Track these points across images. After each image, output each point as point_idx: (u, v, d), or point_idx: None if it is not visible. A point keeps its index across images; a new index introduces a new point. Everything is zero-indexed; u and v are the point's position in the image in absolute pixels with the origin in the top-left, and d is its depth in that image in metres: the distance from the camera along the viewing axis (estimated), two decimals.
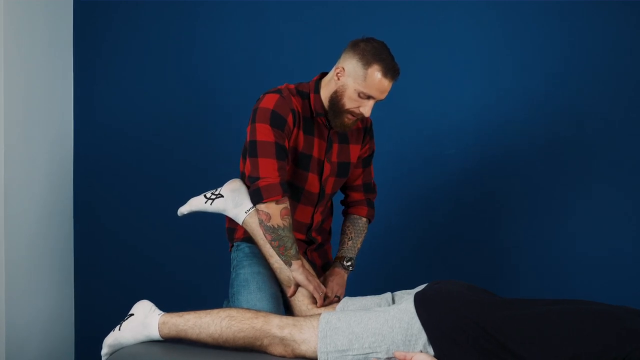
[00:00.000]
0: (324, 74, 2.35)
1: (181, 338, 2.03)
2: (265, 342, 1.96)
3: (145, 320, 2.06)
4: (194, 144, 3.31)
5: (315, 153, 2.32)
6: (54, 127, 3.29)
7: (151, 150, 3.35)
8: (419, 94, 3.07)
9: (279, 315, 2.02)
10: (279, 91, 2.27)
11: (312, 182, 2.34)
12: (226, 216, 2.39)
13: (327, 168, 2.35)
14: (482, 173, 3.07)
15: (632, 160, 2.90)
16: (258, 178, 2.18)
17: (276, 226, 2.18)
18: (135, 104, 3.36)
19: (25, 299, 3.08)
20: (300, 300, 2.25)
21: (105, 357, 2.10)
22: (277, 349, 1.96)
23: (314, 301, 2.24)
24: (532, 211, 3.03)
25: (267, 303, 2.19)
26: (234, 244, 2.42)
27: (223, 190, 2.36)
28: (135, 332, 2.05)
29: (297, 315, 2.22)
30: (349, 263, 2.41)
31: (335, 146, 2.37)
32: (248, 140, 2.23)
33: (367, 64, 2.17)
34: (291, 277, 2.25)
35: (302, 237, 2.40)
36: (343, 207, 2.56)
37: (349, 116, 2.26)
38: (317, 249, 2.48)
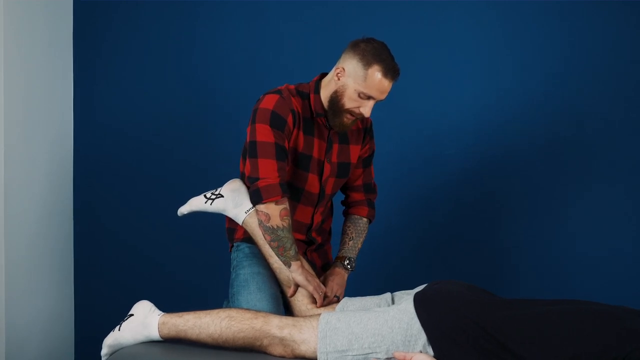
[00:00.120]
0: (324, 75, 2.35)
1: (181, 338, 2.03)
2: (265, 342, 1.96)
3: (145, 321, 2.06)
4: (194, 144, 3.31)
5: (315, 153, 2.32)
6: (54, 127, 3.29)
7: (151, 150, 3.35)
8: (419, 94, 3.07)
9: (278, 316, 2.02)
10: (279, 92, 2.26)
11: (312, 183, 2.34)
12: (226, 216, 2.39)
13: (327, 168, 2.35)
14: (482, 173, 3.07)
15: (632, 160, 2.90)
16: (258, 178, 2.18)
17: (275, 227, 2.18)
18: (135, 104, 3.36)
19: (25, 299, 3.08)
20: (300, 301, 2.25)
21: (105, 358, 2.10)
22: (277, 349, 1.96)
23: (314, 301, 2.24)
24: (532, 211, 3.03)
25: (266, 303, 2.19)
26: (234, 244, 2.42)
27: (223, 190, 2.36)
28: (135, 333, 2.05)
29: (297, 316, 2.22)
30: (349, 263, 2.41)
31: (335, 146, 2.37)
32: (248, 140, 2.23)
33: (367, 64, 2.17)
34: (290, 278, 2.25)
35: (302, 237, 2.40)
36: (343, 207, 2.56)
37: (349, 116, 2.26)
38: (317, 249, 2.48)
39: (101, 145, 3.39)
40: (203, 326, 2.00)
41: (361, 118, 2.28)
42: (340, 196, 2.57)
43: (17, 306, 3.03)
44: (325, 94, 2.29)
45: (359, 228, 2.48)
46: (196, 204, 2.38)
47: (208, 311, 2.04)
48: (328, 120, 2.30)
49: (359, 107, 2.22)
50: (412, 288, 2.15)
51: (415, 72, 2.97)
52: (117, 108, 3.38)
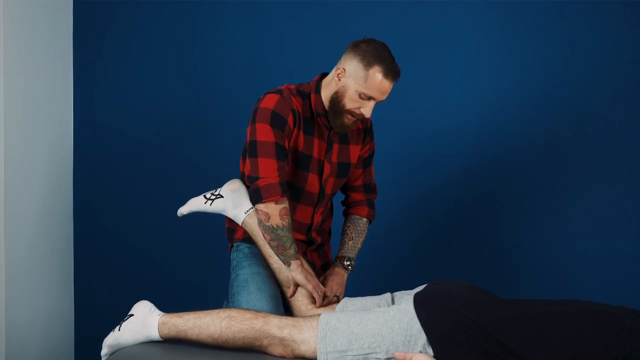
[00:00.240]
0: (325, 75, 2.36)
1: (181, 338, 2.03)
2: (265, 342, 1.96)
3: (145, 321, 2.06)
4: (194, 144, 3.31)
5: (315, 153, 2.32)
6: (54, 127, 3.29)
7: (151, 150, 3.35)
8: (419, 94, 3.07)
9: (278, 316, 2.02)
10: (279, 92, 2.27)
11: (312, 183, 2.34)
12: (226, 216, 2.39)
13: (327, 168, 2.36)
14: (482, 173, 3.07)
15: (632, 160, 2.90)
16: (258, 178, 2.18)
17: (275, 226, 2.18)
18: (135, 104, 3.36)
19: (25, 299, 3.08)
20: (300, 301, 2.25)
21: (105, 358, 2.10)
22: (277, 350, 1.96)
23: (314, 301, 2.24)
24: (532, 211, 3.03)
25: (266, 303, 2.19)
26: (234, 244, 2.42)
27: (223, 190, 2.36)
28: (135, 333, 2.05)
29: (297, 316, 2.22)
30: (349, 263, 2.41)
31: (336, 146, 2.37)
32: (248, 140, 2.24)
33: (368, 65, 2.17)
34: (290, 277, 2.25)
35: (302, 237, 2.40)
36: (343, 207, 2.56)
37: (349, 116, 2.26)
38: (316, 249, 2.48)
39: (101, 145, 3.39)
40: (203, 326, 2.00)
41: (362, 119, 2.28)
42: (340, 196, 2.57)
43: (17, 306, 3.03)
44: (326, 95, 2.29)
45: (358, 228, 2.48)
46: (196, 204, 2.38)
47: (208, 311, 2.04)
48: (329, 120, 2.30)
49: (359, 108, 2.23)
50: (412, 288, 2.15)
51: (415, 72, 2.97)
52: (117, 108, 3.38)
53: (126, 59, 3.37)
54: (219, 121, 3.28)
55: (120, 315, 2.19)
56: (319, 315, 1.98)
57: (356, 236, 2.47)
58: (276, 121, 2.20)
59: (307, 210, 2.38)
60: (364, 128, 2.45)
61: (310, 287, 2.20)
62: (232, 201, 2.32)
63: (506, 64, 3.02)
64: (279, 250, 2.20)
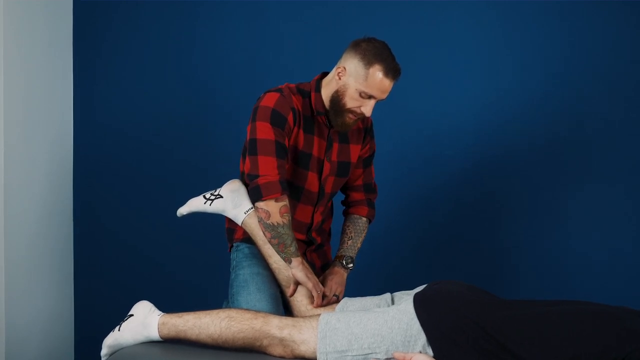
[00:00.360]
0: (325, 74, 2.36)
1: (181, 339, 2.03)
2: (265, 342, 1.96)
3: (144, 321, 2.06)
4: (194, 144, 3.31)
5: (315, 152, 2.32)
6: (54, 127, 3.29)
7: (151, 150, 3.35)
8: (419, 94, 3.07)
9: (278, 316, 2.02)
10: (279, 90, 2.27)
11: (311, 181, 2.34)
12: (226, 217, 2.39)
13: (326, 167, 2.36)
14: (482, 173, 3.07)
15: (632, 160, 2.90)
16: (257, 176, 2.19)
17: (275, 224, 2.18)
18: (135, 104, 3.36)
19: (25, 299, 3.08)
20: (299, 301, 2.25)
21: (105, 358, 2.10)
22: (277, 350, 1.96)
23: (313, 301, 2.24)
24: (532, 211, 3.03)
25: (266, 304, 2.19)
26: (234, 244, 2.42)
27: (222, 191, 2.36)
28: (134, 333, 2.05)
29: (297, 316, 2.22)
30: (349, 262, 2.41)
31: (336, 145, 2.37)
32: (248, 138, 2.24)
33: (368, 63, 2.18)
34: (290, 275, 2.25)
35: (302, 237, 2.40)
36: (343, 207, 2.56)
37: (350, 115, 2.26)
38: (316, 249, 2.48)
39: (101, 145, 3.39)
40: (203, 326, 2.00)
41: (362, 117, 2.29)
42: (340, 196, 2.57)
43: (17, 306, 3.03)
44: (326, 93, 2.29)
45: (358, 227, 2.48)
46: (195, 204, 2.38)
47: (208, 311, 2.04)
48: (330, 119, 2.30)
49: (360, 107, 2.23)
50: (412, 288, 2.15)
51: (415, 72, 2.97)
52: (117, 108, 3.38)
53: (126, 59, 3.37)
54: (219, 121, 3.28)
55: (120, 315, 2.19)
56: (319, 315, 1.98)
57: (356, 236, 2.47)
58: (276, 119, 2.20)
59: (307, 210, 2.38)
60: (365, 127, 2.45)
61: (310, 285, 2.20)
62: (231, 201, 2.32)
63: (506, 64, 3.02)
64: (280, 248, 2.20)
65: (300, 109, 2.28)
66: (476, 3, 3.03)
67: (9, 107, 2.95)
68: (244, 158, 2.35)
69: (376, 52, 2.18)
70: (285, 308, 2.31)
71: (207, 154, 3.29)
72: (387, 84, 2.20)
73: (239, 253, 2.37)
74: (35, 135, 3.15)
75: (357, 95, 2.21)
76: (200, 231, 3.24)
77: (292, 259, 2.20)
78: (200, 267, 3.29)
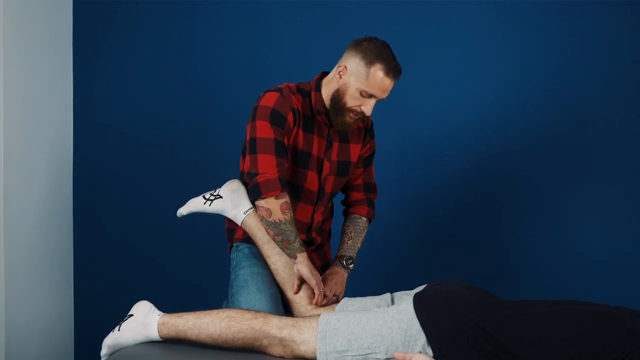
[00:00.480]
0: (325, 74, 2.36)
1: (180, 339, 2.03)
2: (265, 342, 1.96)
3: (144, 321, 2.06)
4: (194, 144, 3.31)
5: (314, 151, 2.32)
6: (54, 127, 3.29)
7: (151, 150, 3.35)
8: (419, 94, 3.07)
9: (278, 316, 2.02)
10: (279, 90, 2.28)
11: (311, 180, 2.34)
12: (225, 217, 2.39)
13: (326, 166, 2.36)
14: (482, 173, 3.07)
15: (632, 160, 2.90)
16: (257, 174, 2.19)
17: (277, 221, 2.18)
18: (135, 104, 3.36)
19: (25, 299, 3.08)
20: (298, 302, 2.25)
21: (105, 358, 2.10)
22: (277, 350, 1.96)
23: (313, 301, 2.24)
24: (532, 211, 3.03)
25: (266, 304, 2.19)
26: (234, 244, 2.42)
27: (222, 191, 2.36)
28: (134, 333, 2.05)
29: (297, 316, 2.22)
30: (349, 262, 2.41)
31: (335, 145, 2.37)
32: (248, 137, 2.24)
33: (369, 62, 2.18)
34: (287, 277, 2.25)
35: (302, 237, 2.40)
36: (343, 207, 2.56)
37: (351, 115, 2.27)
38: (316, 249, 2.48)
39: (101, 145, 3.39)
40: (203, 326, 2.00)
41: (362, 117, 2.29)
42: (340, 196, 2.57)
43: (17, 306, 3.03)
44: (326, 92, 2.30)
45: (358, 227, 2.48)
46: (195, 205, 2.38)
47: (208, 311, 2.04)
48: (330, 118, 2.31)
49: (360, 106, 2.24)
50: (412, 288, 2.15)
51: (415, 72, 2.96)
52: (117, 108, 3.38)
53: (126, 59, 3.37)
54: (219, 121, 3.28)
55: (120, 315, 2.19)
56: (319, 315, 1.98)
57: (355, 235, 2.47)
58: (276, 119, 2.20)
59: (307, 209, 2.38)
60: (365, 127, 2.45)
61: (313, 282, 2.20)
62: (231, 201, 2.32)
63: (506, 64, 3.02)
64: (284, 245, 2.20)
65: (300, 109, 2.29)
66: (476, 3, 3.03)
67: (9, 107, 2.95)
68: (244, 158, 2.35)
69: (377, 51, 2.19)
70: (285, 308, 2.31)
71: (207, 154, 3.29)
72: (388, 83, 2.20)
73: (239, 253, 2.37)
74: (35, 135, 3.15)
75: (357, 94, 2.22)
76: (200, 231, 3.24)
77: (297, 254, 2.20)
78: (200, 267, 3.29)
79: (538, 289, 2.98)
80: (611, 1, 2.91)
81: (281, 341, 1.95)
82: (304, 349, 1.94)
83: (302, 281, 2.25)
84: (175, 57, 3.32)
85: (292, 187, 2.32)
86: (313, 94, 2.31)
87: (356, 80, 2.20)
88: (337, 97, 2.25)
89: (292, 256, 2.21)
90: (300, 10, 3.19)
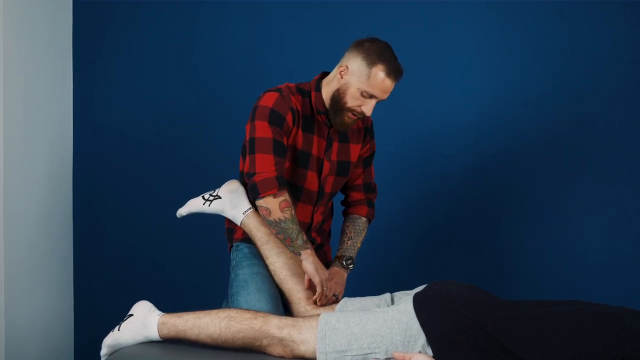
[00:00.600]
0: (325, 74, 2.37)
1: (180, 338, 2.03)
2: (264, 342, 1.96)
3: (144, 321, 2.06)
4: (194, 144, 3.31)
5: (314, 151, 2.32)
6: (54, 127, 3.29)
7: (151, 150, 3.35)
8: (419, 94, 3.07)
9: (278, 316, 2.02)
10: (278, 90, 2.28)
11: (311, 180, 2.34)
12: (225, 217, 2.39)
13: (326, 166, 2.36)
14: (482, 173, 3.07)
15: (632, 160, 2.90)
16: (254, 174, 2.19)
17: (277, 220, 2.18)
18: (135, 104, 3.36)
19: (25, 299, 3.08)
20: (298, 302, 2.25)
21: (105, 358, 2.10)
22: (276, 350, 1.96)
23: (313, 302, 2.24)
24: (532, 211, 3.03)
25: (266, 303, 2.19)
26: (233, 244, 2.42)
27: (221, 191, 2.36)
28: (134, 333, 2.05)
29: (296, 316, 2.22)
30: (349, 262, 2.41)
31: (335, 145, 2.37)
32: (247, 138, 2.25)
33: (371, 63, 2.19)
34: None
35: None
36: (343, 207, 2.56)
37: (350, 114, 2.27)
38: (316, 249, 2.47)
39: (101, 145, 3.39)
40: (202, 326, 2.00)
41: (362, 117, 2.29)
42: (340, 197, 2.57)
43: (17, 306, 3.03)
44: (327, 92, 2.30)
45: (358, 227, 2.48)
46: (194, 205, 2.38)
47: (207, 311, 2.04)
48: (329, 118, 2.31)
49: (360, 106, 2.24)
50: (412, 288, 2.15)
51: (415, 72, 2.95)
52: (117, 108, 3.38)
53: (126, 59, 3.37)
54: (219, 121, 3.28)
55: (120, 315, 2.19)
56: (319, 315, 1.98)
57: (355, 235, 2.47)
58: (274, 119, 2.21)
59: (307, 209, 2.38)
60: (365, 127, 2.45)
61: (317, 279, 2.19)
62: (230, 202, 2.32)
63: (506, 64, 3.02)
64: (287, 243, 2.20)
65: (300, 109, 2.29)
66: (476, 3, 3.03)
67: (9, 107, 2.95)
68: (244, 158, 2.35)
69: (379, 52, 2.19)
70: (284, 308, 2.31)
71: (207, 154, 3.29)
72: (389, 84, 2.21)
73: (239, 253, 2.37)
74: (35, 135, 3.15)
75: (358, 95, 2.22)
76: (200, 231, 3.24)
77: (301, 252, 2.20)
78: (200, 267, 3.29)
79: (538, 289, 2.98)
80: (611, 1, 2.91)
81: (281, 341, 1.95)
82: (303, 349, 1.94)
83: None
84: (175, 57, 3.32)
85: (292, 187, 2.32)
86: (313, 93, 2.32)
87: (357, 81, 2.21)
88: (338, 96, 2.25)
89: (296, 253, 2.21)
90: (300, 10, 3.19)
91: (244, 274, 2.29)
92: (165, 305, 2.17)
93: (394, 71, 2.20)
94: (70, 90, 3.39)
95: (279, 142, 2.21)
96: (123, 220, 3.39)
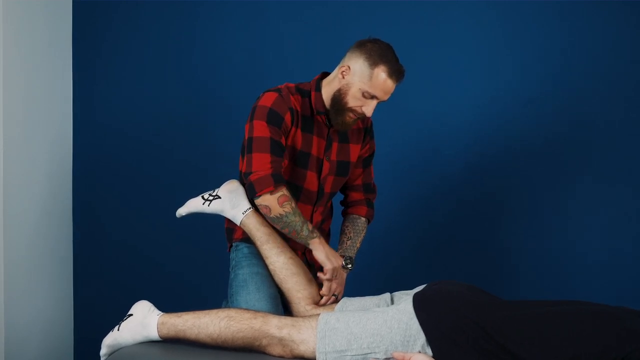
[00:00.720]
0: (325, 74, 2.37)
1: (180, 338, 2.03)
2: (264, 342, 1.96)
3: (144, 321, 2.06)
4: (194, 144, 3.31)
5: (314, 151, 2.32)
6: (54, 127, 3.29)
7: (151, 150, 3.35)
8: (419, 94, 3.07)
9: (277, 316, 2.02)
10: (278, 90, 2.28)
11: (310, 180, 2.34)
12: (225, 216, 2.39)
13: (326, 166, 2.36)
14: (482, 173, 3.07)
15: (632, 160, 2.90)
16: (251, 173, 2.20)
17: (279, 215, 2.19)
18: (135, 104, 3.36)
19: (24, 299, 3.08)
20: (298, 302, 2.25)
21: (104, 358, 2.10)
22: (276, 349, 1.96)
23: (312, 302, 2.24)
24: (532, 211, 3.02)
25: (265, 303, 2.19)
26: (233, 244, 2.42)
27: (220, 191, 2.36)
28: (134, 333, 2.05)
29: (296, 316, 2.22)
30: (348, 262, 2.41)
31: (335, 145, 2.37)
32: (246, 137, 2.25)
33: (373, 64, 2.19)
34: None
35: None
36: (342, 207, 2.56)
37: (350, 115, 2.27)
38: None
39: (101, 145, 3.39)
40: (202, 326, 2.00)
41: (362, 118, 2.29)
42: (339, 197, 2.57)
43: (17, 306, 3.03)
44: (327, 92, 2.30)
45: (357, 227, 2.48)
46: (194, 205, 2.38)
47: (207, 311, 2.03)
48: (329, 118, 2.31)
49: (361, 107, 2.24)
50: (412, 288, 2.15)
51: (415, 72, 2.94)
52: (117, 108, 3.38)
53: (126, 59, 3.37)
54: (219, 121, 3.28)
55: (120, 315, 2.19)
56: (318, 315, 1.98)
57: (354, 235, 2.47)
58: (273, 118, 2.21)
59: (306, 209, 2.38)
60: (364, 127, 2.45)
61: (329, 266, 2.21)
62: (229, 202, 2.32)
63: (506, 64, 3.02)
64: (293, 235, 2.22)
65: (299, 109, 2.29)
66: (476, 3, 3.03)
67: (8, 107, 2.95)
68: (243, 158, 2.35)
69: (382, 53, 2.20)
70: (284, 308, 2.31)
71: (207, 154, 3.29)
72: (391, 85, 2.22)
73: (239, 253, 2.37)
74: (35, 135, 3.15)
75: (359, 95, 2.22)
76: (200, 231, 3.24)
77: (309, 242, 2.21)
78: (200, 267, 3.29)
79: (538, 289, 2.98)
80: (611, 1, 2.91)
81: (280, 341, 1.95)
82: (303, 349, 1.94)
83: (319, 267, 2.25)
84: (175, 57, 3.32)
85: (291, 187, 2.32)
86: (313, 94, 2.32)
87: (359, 81, 2.21)
88: (339, 96, 2.25)
89: (305, 244, 2.22)
90: (300, 10, 3.19)
91: (243, 274, 2.29)
92: (165, 305, 2.17)
93: (396, 72, 2.21)
94: (70, 90, 3.39)
95: (276, 141, 2.21)
96: (123, 220, 3.39)
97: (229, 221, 2.41)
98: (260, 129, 2.20)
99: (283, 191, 2.20)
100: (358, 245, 2.47)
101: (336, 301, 2.28)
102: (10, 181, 2.97)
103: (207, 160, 3.28)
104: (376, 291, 2.30)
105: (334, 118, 2.29)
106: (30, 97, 3.11)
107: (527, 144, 3.01)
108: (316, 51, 3.14)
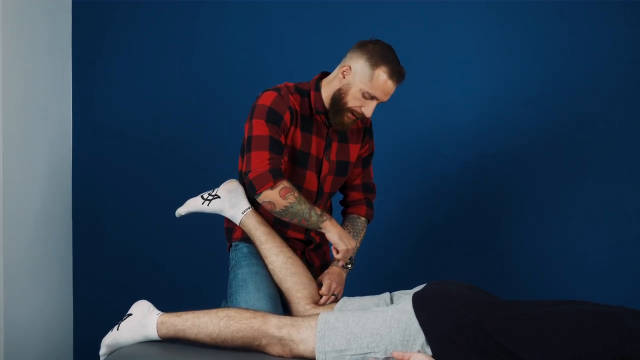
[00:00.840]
0: (325, 74, 2.37)
1: (179, 338, 2.03)
2: (264, 342, 1.96)
3: (143, 320, 2.06)
4: (194, 144, 3.31)
5: (313, 151, 2.32)
6: (53, 127, 3.29)
7: (151, 150, 3.35)
8: (419, 94, 3.07)
9: (277, 315, 2.02)
10: (277, 89, 2.28)
11: (310, 180, 2.34)
12: (224, 216, 2.39)
13: (325, 166, 2.36)
14: (482, 173, 3.06)
15: (632, 160, 2.90)
16: (250, 171, 2.20)
17: (284, 208, 2.19)
18: (135, 104, 3.36)
19: (24, 299, 3.08)
20: (297, 302, 2.25)
21: (104, 357, 2.10)
22: (275, 349, 1.96)
23: (312, 301, 2.24)
24: (532, 211, 3.02)
25: (265, 303, 2.19)
26: (232, 244, 2.42)
27: (220, 191, 2.36)
28: (133, 332, 2.05)
29: (295, 316, 2.22)
30: (348, 262, 2.41)
31: (335, 145, 2.37)
32: (245, 137, 2.25)
33: (374, 64, 2.19)
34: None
35: (300, 236, 2.41)
36: (342, 207, 2.56)
37: (350, 115, 2.27)
38: (315, 249, 2.48)
39: (101, 145, 3.39)
40: (202, 326, 2.00)
41: (362, 118, 2.29)
42: (339, 197, 2.57)
43: (17, 306, 3.03)
44: (327, 92, 2.30)
45: (357, 227, 2.48)
46: (193, 205, 2.38)
47: (206, 311, 2.04)
48: (329, 118, 2.31)
49: (361, 107, 2.24)
50: (411, 288, 2.15)
51: (415, 72, 2.94)
52: (117, 108, 3.38)
53: (126, 59, 3.37)
54: (219, 121, 3.28)
55: (119, 315, 2.19)
56: (318, 314, 1.98)
57: (354, 235, 2.47)
58: (272, 117, 2.21)
59: None
60: (364, 127, 2.45)
61: (342, 247, 2.22)
62: (229, 201, 2.32)
63: (506, 64, 3.02)
64: (302, 223, 2.23)
65: (298, 109, 2.29)
66: (476, 3, 3.03)
67: (8, 107, 2.96)
68: (242, 157, 2.35)
69: (383, 54, 2.20)
70: (284, 307, 2.31)
71: (207, 154, 3.29)
72: (391, 86, 2.22)
73: (238, 252, 2.37)
74: (34, 135, 3.15)
75: (359, 95, 2.22)
76: (200, 231, 3.24)
77: (320, 225, 2.22)
78: (199, 267, 3.29)
79: (538, 289, 2.98)
80: (611, 1, 2.91)
81: (280, 340, 1.95)
82: (302, 348, 1.94)
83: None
84: (175, 57, 3.32)
85: None
86: (312, 93, 2.32)
87: (360, 81, 2.21)
88: (339, 96, 2.25)
89: (317, 229, 2.24)
90: (300, 10, 3.19)
91: (243, 274, 2.29)
92: (164, 304, 2.17)
93: (397, 74, 2.21)
94: (70, 91, 3.39)
95: (275, 139, 2.21)
96: (122, 220, 3.39)
97: (229, 221, 2.41)
98: (260, 128, 2.20)
99: (284, 183, 2.19)
100: (358, 244, 2.47)
101: (336, 301, 2.28)
102: (10, 181, 2.97)
103: (207, 160, 3.28)
104: (376, 291, 2.30)
105: (332, 118, 2.29)
106: (30, 97, 3.11)
107: (527, 144, 3.01)
108: (316, 51, 3.14)
